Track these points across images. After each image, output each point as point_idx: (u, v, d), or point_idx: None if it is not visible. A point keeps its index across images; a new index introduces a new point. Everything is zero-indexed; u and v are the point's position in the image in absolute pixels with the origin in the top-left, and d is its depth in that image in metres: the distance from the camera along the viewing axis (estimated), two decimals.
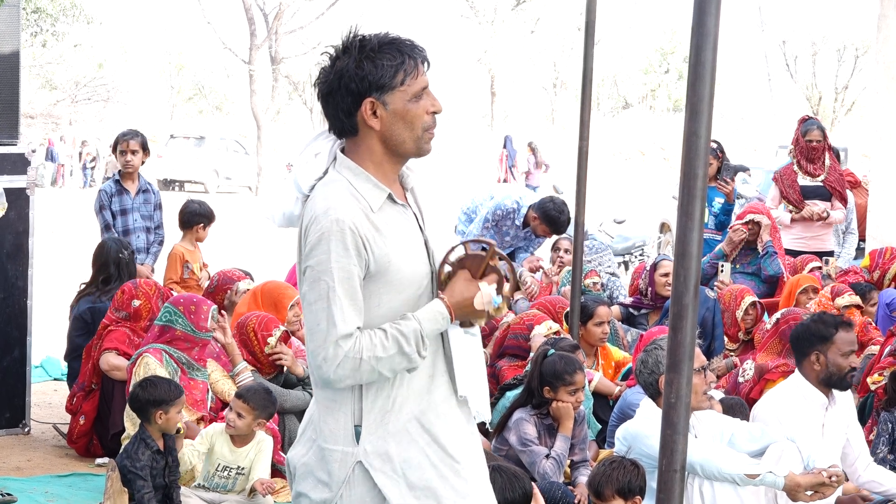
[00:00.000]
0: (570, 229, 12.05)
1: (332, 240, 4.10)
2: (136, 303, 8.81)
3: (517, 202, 11.85)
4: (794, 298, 10.07)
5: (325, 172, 4.27)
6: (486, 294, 4.20)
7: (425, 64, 4.26)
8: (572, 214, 9.24)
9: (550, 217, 11.56)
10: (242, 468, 7.49)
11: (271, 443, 7.66)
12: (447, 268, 4.26)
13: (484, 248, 4.26)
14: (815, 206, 11.98)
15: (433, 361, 4.28)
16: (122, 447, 7.50)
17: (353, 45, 4.19)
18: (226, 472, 7.50)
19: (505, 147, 34.62)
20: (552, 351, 7.71)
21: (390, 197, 4.24)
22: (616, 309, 10.68)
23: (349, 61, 4.18)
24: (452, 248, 4.27)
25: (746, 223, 11.06)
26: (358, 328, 4.12)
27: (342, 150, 4.29)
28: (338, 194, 4.17)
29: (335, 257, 4.10)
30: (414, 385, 4.24)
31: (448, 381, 4.31)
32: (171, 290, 10.06)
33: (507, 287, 4.27)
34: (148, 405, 7.26)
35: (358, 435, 4.20)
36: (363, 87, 4.17)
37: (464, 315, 4.24)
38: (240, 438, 7.53)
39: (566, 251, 11.43)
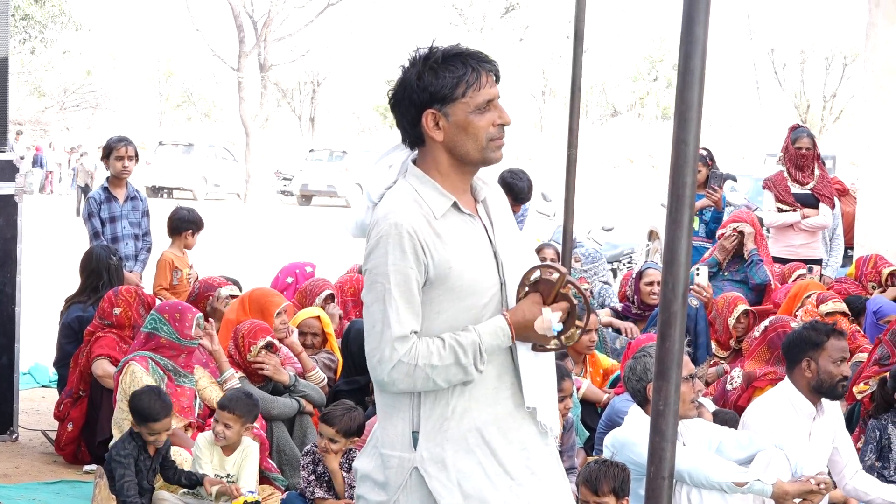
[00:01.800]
0: (558, 236, 12.00)
1: (389, 243, 4.10)
2: (117, 311, 8.83)
3: None
4: (801, 302, 10.01)
5: (395, 182, 4.28)
6: (546, 319, 4.20)
7: (494, 77, 4.26)
8: (561, 222, 9.19)
9: (507, 184, 11.44)
10: (231, 476, 7.48)
11: (257, 448, 7.65)
12: (525, 290, 4.26)
13: (557, 275, 4.26)
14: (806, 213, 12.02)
15: (499, 373, 4.26)
16: (112, 443, 7.47)
17: (419, 57, 4.21)
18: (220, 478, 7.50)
19: None
20: None
21: (456, 205, 4.25)
22: (607, 310, 10.65)
23: (413, 72, 4.20)
24: (531, 271, 4.26)
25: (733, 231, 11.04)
26: (414, 332, 4.12)
27: (414, 162, 4.31)
28: (400, 200, 4.19)
29: (392, 260, 4.10)
30: (476, 394, 4.22)
31: (514, 394, 4.29)
32: (158, 296, 10.07)
33: (578, 317, 4.27)
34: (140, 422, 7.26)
35: (415, 441, 4.20)
36: (424, 98, 4.19)
37: (525, 336, 4.22)
38: (228, 446, 7.52)
39: (551, 260, 11.41)
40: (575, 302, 4.27)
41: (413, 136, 4.27)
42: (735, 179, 22.31)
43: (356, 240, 4.41)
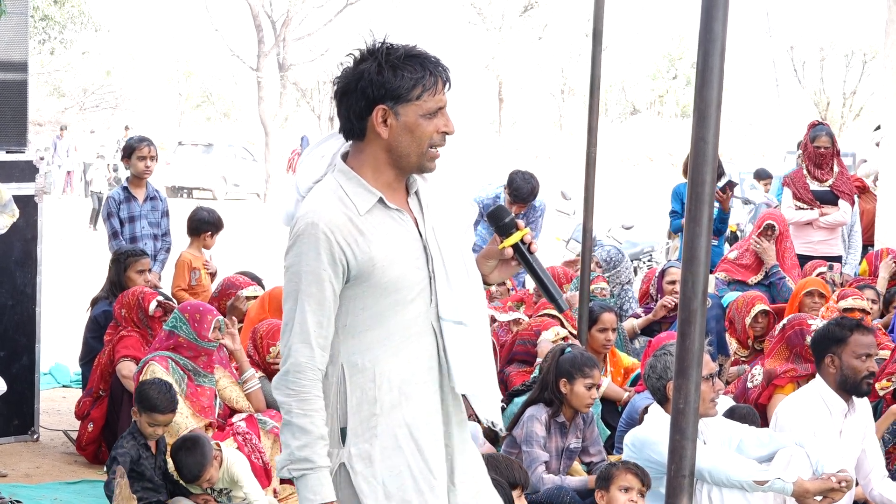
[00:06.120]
0: (578, 235, 11.97)
1: (304, 243, 4.10)
2: (124, 311, 8.90)
3: (496, 190, 11.78)
4: (798, 300, 10.00)
5: (324, 176, 4.27)
6: None
7: (446, 85, 4.24)
8: (580, 220, 9.16)
9: (510, 180, 11.48)
10: (229, 490, 7.53)
11: (240, 455, 7.64)
12: None
13: None
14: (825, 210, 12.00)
15: (429, 367, 4.23)
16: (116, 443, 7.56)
17: (380, 51, 4.18)
18: (216, 494, 7.54)
19: (301, 145, 33.86)
20: (570, 349, 7.70)
21: (382, 201, 4.21)
22: (631, 323, 10.50)
23: (372, 65, 4.16)
24: None
25: (765, 230, 11.04)
26: (320, 334, 4.11)
27: (345, 155, 4.28)
28: (322, 198, 4.17)
29: (305, 260, 4.10)
30: (407, 390, 4.19)
31: (441, 389, 4.27)
32: (176, 297, 10.08)
33: None
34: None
35: (344, 437, 4.18)
36: (379, 93, 4.15)
37: None
38: None
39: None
40: None
41: (357, 128, 4.22)
42: (769, 177, 22.28)
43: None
